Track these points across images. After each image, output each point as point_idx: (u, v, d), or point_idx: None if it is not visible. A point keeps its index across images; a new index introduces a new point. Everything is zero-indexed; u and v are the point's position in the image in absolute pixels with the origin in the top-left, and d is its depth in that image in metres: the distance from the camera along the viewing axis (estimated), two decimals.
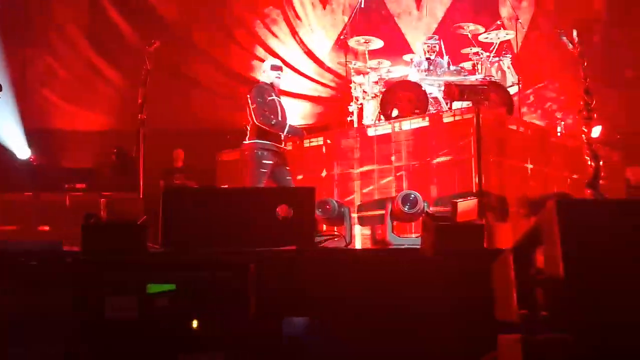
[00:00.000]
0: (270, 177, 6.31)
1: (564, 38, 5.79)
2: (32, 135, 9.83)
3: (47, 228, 8.50)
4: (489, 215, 6.61)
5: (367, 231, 7.24)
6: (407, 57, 8.89)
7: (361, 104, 8.67)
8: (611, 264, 1.63)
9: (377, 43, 8.71)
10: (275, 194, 4.08)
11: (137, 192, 5.38)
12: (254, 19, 10.72)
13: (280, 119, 6.36)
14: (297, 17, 10.67)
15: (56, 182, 8.94)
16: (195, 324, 3.24)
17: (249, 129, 6.44)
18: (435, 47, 8.47)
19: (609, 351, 1.57)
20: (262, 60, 10.68)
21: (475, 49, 8.55)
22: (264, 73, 6.60)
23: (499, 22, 8.93)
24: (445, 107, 7.88)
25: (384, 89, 8.30)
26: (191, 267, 3.20)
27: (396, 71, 8.59)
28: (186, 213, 3.82)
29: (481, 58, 8.47)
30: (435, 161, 7.24)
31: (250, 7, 10.73)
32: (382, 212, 5.92)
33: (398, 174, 7.47)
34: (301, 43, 10.69)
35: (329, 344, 3.49)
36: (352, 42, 8.81)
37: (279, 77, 6.55)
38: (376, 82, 8.48)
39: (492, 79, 8.22)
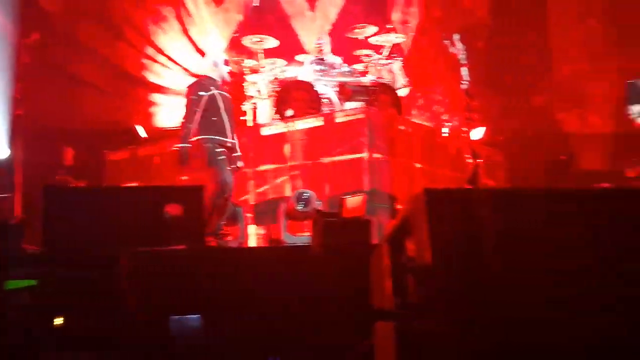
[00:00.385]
0: None
1: (447, 42, 6.05)
2: None
3: None
4: (380, 212, 6.79)
5: (262, 230, 7.23)
6: (301, 58, 8.96)
7: (255, 103, 8.64)
8: (477, 252, 1.72)
9: (271, 42, 8.71)
10: (163, 193, 3.98)
11: (13, 191, 5.06)
12: (143, 15, 10.39)
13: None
14: (189, 15, 10.46)
15: None
16: (59, 321, 3.09)
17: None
18: (324, 46, 8.59)
19: (474, 336, 1.65)
20: (153, 59, 10.45)
21: (366, 51, 8.76)
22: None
23: (389, 26, 9.18)
24: (338, 107, 8.01)
25: (278, 89, 8.32)
26: (60, 264, 3.06)
27: (291, 71, 8.63)
28: (70, 212, 3.66)
29: (372, 60, 8.68)
30: (328, 160, 7.35)
31: (139, 3, 10.40)
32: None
33: (292, 174, 7.52)
34: (193, 42, 10.49)
35: (221, 341, 3.45)
36: (246, 41, 8.75)
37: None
38: (271, 82, 8.48)
39: (383, 81, 8.45)
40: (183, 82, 10.10)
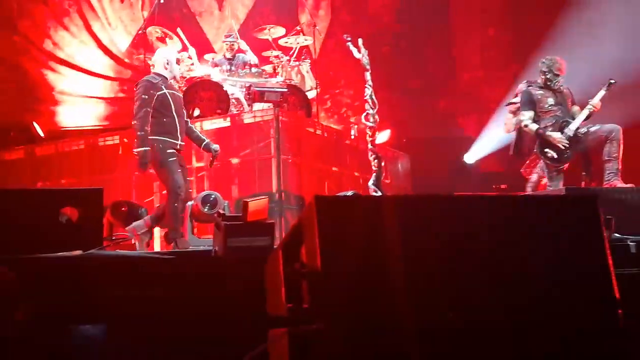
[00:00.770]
0: None
1: (351, 46, 6.16)
2: None
3: None
4: (288, 214, 6.82)
5: None
6: (208, 57, 8.84)
7: None
8: (367, 257, 1.75)
9: (177, 41, 8.54)
10: (59, 196, 3.79)
11: None
12: (42, 10, 9.89)
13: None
14: (93, 9, 10.06)
15: None
16: None
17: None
18: (233, 45, 8.52)
19: (360, 340, 1.69)
20: (51, 56, 9.95)
21: (275, 52, 8.76)
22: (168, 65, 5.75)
23: (298, 28, 9.24)
24: (246, 108, 7.96)
25: (185, 88, 8.16)
26: None
27: (198, 70, 8.49)
28: None
29: (282, 61, 8.70)
30: (236, 161, 7.29)
31: None
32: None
33: (199, 175, 7.40)
34: (96, 38, 10.10)
35: (124, 350, 3.34)
36: (152, 38, 8.54)
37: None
38: (177, 81, 8.30)
39: (292, 83, 8.48)
40: (83, 83, 9.75)
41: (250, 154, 7.25)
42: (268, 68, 8.73)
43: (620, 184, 5.79)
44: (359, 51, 6.15)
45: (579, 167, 6.28)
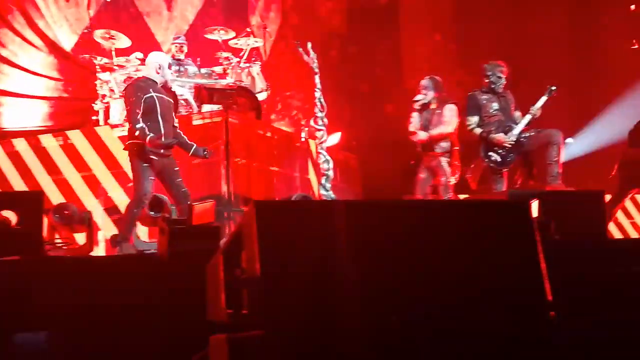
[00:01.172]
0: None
1: (300, 49, 6.19)
2: None
3: None
4: (238, 217, 6.77)
5: None
6: None
7: (107, 102, 8.27)
8: (309, 263, 1.76)
9: (124, 41, 8.39)
10: None
11: None
12: None
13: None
14: (37, 8, 9.76)
15: None
16: None
17: None
18: (183, 47, 8.44)
19: (300, 347, 1.70)
20: None
21: (225, 54, 8.71)
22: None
23: (248, 30, 9.20)
24: (195, 109, 7.88)
25: None
26: None
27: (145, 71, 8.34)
28: None
29: (231, 63, 8.65)
30: (184, 164, 7.20)
31: None
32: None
33: None
34: (40, 36, 9.81)
35: (65, 357, 3.26)
36: (98, 38, 8.36)
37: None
38: (124, 81, 8.16)
39: (242, 84, 8.44)
40: (25, 83, 9.45)
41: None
42: (218, 69, 8.67)
43: (561, 186, 5.99)
44: (308, 55, 6.18)
45: (522, 170, 6.46)
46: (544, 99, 6.23)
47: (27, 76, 9.49)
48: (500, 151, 6.20)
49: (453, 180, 6.24)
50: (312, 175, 8.39)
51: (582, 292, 3.31)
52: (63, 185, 7.37)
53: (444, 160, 6.24)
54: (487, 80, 6.36)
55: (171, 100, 5.91)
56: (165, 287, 2.94)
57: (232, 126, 7.16)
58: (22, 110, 9.45)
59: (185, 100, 7.98)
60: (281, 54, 10.30)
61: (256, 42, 9.06)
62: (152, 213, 5.54)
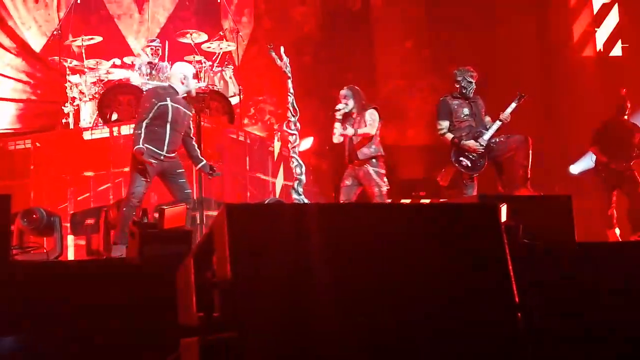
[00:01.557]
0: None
1: (273, 54, 6.19)
2: None
3: None
4: (210, 221, 6.73)
5: (82, 241, 6.82)
6: (128, 60, 8.63)
7: (77, 105, 8.17)
8: (281, 266, 1.77)
9: (95, 42, 8.30)
10: None
11: None
12: None
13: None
14: (5, 8, 9.59)
15: None
16: None
17: None
18: (158, 50, 8.37)
19: (272, 349, 1.70)
20: None
21: (198, 57, 8.67)
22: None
23: (221, 33, 9.17)
24: None
25: (102, 91, 7.94)
26: None
27: (116, 73, 8.28)
28: None
29: (204, 67, 8.61)
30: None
31: None
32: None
33: (117, 181, 7.21)
34: (10, 37, 9.64)
35: None
36: (68, 40, 8.26)
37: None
38: (94, 83, 8.07)
39: (215, 88, 8.41)
40: None
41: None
42: None
43: (529, 191, 6.10)
44: (281, 59, 6.18)
45: (492, 175, 6.56)
46: (513, 105, 6.34)
47: None
48: (471, 156, 6.28)
49: (385, 188, 6.22)
50: (285, 179, 8.40)
51: (548, 294, 3.38)
52: (31, 189, 7.26)
53: (371, 170, 6.23)
54: (457, 86, 6.45)
55: (188, 113, 5.90)
56: (136, 290, 2.92)
57: (204, 130, 7.12)
58: None
59: None
60: (254, 58, 10.27)
61: (229, 46, 9.04)
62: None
